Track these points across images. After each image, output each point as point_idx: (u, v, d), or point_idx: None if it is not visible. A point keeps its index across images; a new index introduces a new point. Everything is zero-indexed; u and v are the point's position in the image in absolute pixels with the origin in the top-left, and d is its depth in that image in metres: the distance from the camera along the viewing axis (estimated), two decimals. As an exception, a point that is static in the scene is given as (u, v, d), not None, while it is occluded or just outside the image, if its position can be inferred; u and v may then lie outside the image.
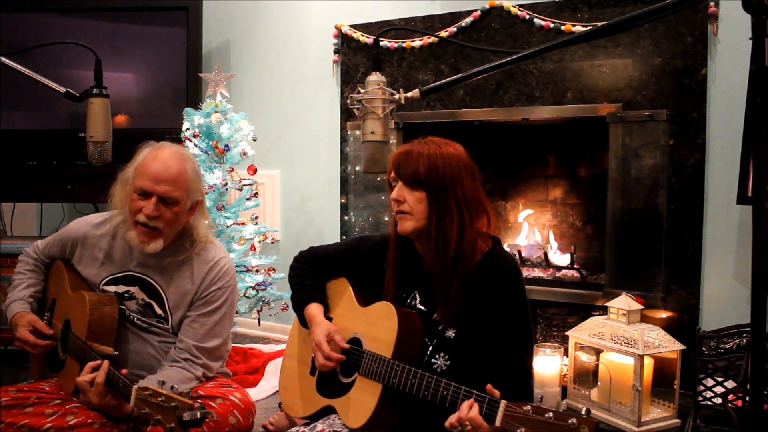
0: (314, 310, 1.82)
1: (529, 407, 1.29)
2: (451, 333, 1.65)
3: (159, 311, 1.98)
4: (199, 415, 1.42)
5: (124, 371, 1.69)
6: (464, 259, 1.61)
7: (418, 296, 1.73)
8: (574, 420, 1.22)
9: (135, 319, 1.97)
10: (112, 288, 1.99)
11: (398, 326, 1.62)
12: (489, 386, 1.40)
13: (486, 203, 1.68)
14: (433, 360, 1.65)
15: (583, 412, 1.24)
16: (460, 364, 1.63)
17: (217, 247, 2.05)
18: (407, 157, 1.63)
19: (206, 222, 2.05)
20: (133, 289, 1.98)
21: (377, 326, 1.68)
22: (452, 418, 1.41)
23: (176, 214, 1.91)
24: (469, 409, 1.39)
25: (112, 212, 2.02)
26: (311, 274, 1.91)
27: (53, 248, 2.12)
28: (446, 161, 1.62)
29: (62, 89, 1.83)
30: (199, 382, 1.95)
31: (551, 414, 1.25)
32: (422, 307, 1.71)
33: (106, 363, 1.71)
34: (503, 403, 1.34)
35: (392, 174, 1.67)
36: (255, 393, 2.69)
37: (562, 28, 2.87)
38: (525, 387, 1.61)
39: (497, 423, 1.34)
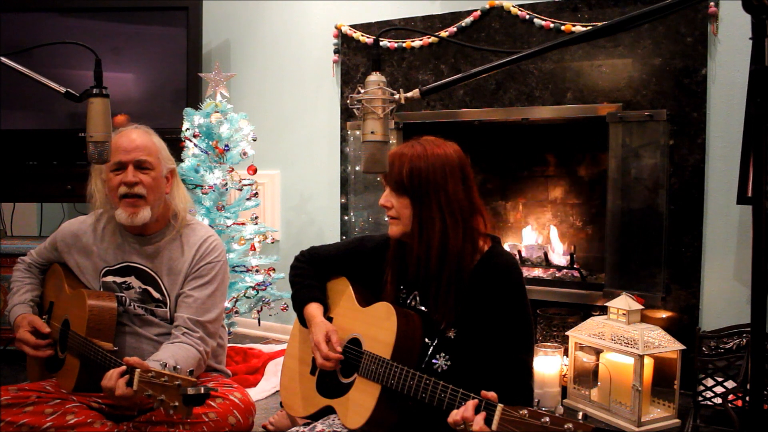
0: (314, 309, 1.82)
1: (525, 411, 1.29)
2: (451, 333, 1.64)
3: (156, 295, 2.01)
4: (203, 391, 1.42)
5: (133, 360, 1.64)
6: (450, 263, 1.61)
7: (418, 297, 1.72)
8: (570, 425, 1.21)
9: (135, 307, 2.00)
10: (110, 279, 2.02)
11: (397, 327, 1.62)
12: (483, 392, 1.39)
13: (478, 203, 1.67)
14: (434, 360, 1.65)
15: (580, 417, 1.23)
16: (461, 364, 1.63)
17: (204, 227, 2.11)
18: (392, 161, 1.62)
19: (183, 192, 2.11)
20: (130, 279, 2.02)
21: (377, 327, 1.68)
22: (457, 417, 1.39)
23: (154, 179, 1.97)
24: (474, 412, 1.37)
25: (98, 211, 2.07)
26: (311, 274, 1.91)
27: (47, 251, 2.17)
28: (429, 164, 1.60)
29: (62, 89, 1.83)
30: (202, 360, 1.95)
31: (547, 419, 1.25)
32: (422, 308, 1.70)
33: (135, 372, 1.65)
34: (500, 406, 1.34)
35: (384, 178, 1.69)
36: (255, 393, 2.69)
37: (562, 28, 2.87)
38: (525, 387, 1.61)
39: (493, 427, 1.33)
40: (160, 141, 2.05)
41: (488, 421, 1.34)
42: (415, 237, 1.63)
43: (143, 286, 2.01)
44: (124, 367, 1.62)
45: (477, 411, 1.37)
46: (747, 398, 2.15)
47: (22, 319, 2.01)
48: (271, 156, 3.73)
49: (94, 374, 1.81)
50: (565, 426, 1.22)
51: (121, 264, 2.03)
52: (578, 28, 2.83)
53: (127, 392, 1.59)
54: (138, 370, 1.56)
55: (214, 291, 2.02)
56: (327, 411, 1.76)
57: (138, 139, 1.97)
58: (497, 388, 1.41)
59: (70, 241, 2.09)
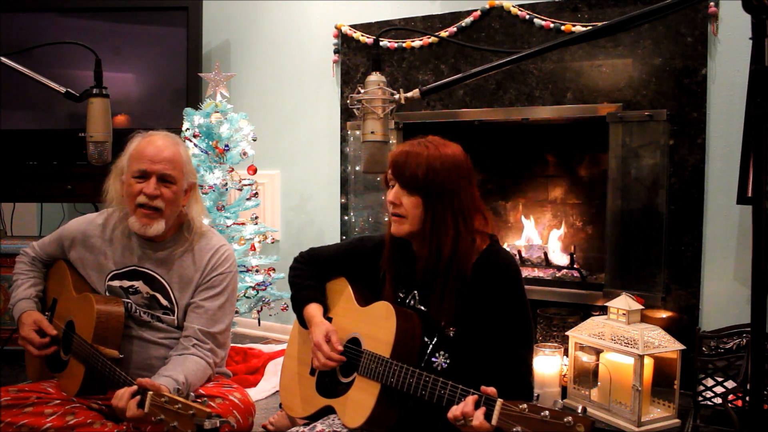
0: (313, 310, 1.82)
1: (525, 406, 1.29)
2: (451, 331, 1.64)
3: (164, 302, 1.99)
4: (218, 424, 1.42)
5: (145, 381, 1.64)
6: (458, 263, 1.61)
7: (417, 296, 1.72)
8: (570, 418, 1.22)
9: (141, 313, 1.98)
10: (116, 283, 2.00)
11: (397, 326, 1.62)
12: (483, 387, 1.40)
13: (480, 203, 1.68)
14: (433, 359, 1.65)
15: (579, 411, 1.24)
16: (461, 362, 1.63)
17: (216, 236, 2.09)
18: (406, 160, 1.61)
19: (200, 207, 2.08)
20: (137, 284, 1.99)
21: (376, 326, 1.68)
22: (457, 412, 1.40)
23: (175, 193, 1.94)
24: (474, 407, 1.38)
25: (108, 210, 2.04)
26: (311, 275, 1.92)
27: (51, 246, 2.12)
28: (444, 166, 1.60)
29: (62, 89, 1.83)
30: (212, 372, 1.95)
31: (547, 412, 1.25)
32: (422, 307, 1.70)
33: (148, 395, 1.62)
34: (499, 401, 1.34)
35: (389, 174, 1.66)
36: (255, 393, 2.69)
37: (562, 28, 2.87)
38: (525, 384, 1.61)
39: (493, 421, 1.34)
40: (186, 152, 2.02)
41: (488, 416, 1.35)
42: (426, 236, 1.62)
43: (151, 292, 1.98)
44: (135, 388, 1.60)
45: (477, 406, 1.38)
46: (747, 398, 2.15)
47: (27, 316, 1.99)
48: (271, 156, 3.73)
49: (99, 381, 1.81)
50: (565, 420, 1.22)
51: (129, 267, 2.01)
52: (578, 28, 2.83)
53: (139, 414, 1.58)
54: (150, 392, 1.55)
55: (224, 302, 2.00)
56: (327, 411, 1.76)
57: (166, 150, 1.93)
58: (497, 384, 1.41)
59: (77, 239, 2.06)
